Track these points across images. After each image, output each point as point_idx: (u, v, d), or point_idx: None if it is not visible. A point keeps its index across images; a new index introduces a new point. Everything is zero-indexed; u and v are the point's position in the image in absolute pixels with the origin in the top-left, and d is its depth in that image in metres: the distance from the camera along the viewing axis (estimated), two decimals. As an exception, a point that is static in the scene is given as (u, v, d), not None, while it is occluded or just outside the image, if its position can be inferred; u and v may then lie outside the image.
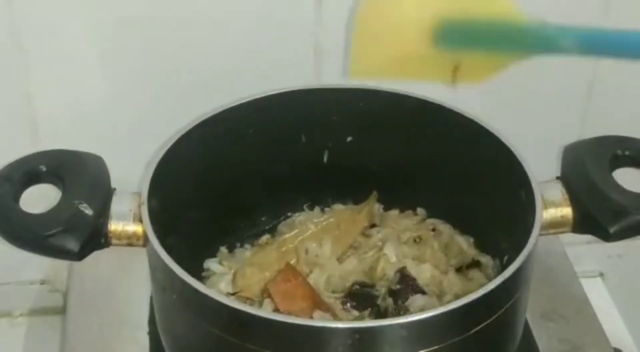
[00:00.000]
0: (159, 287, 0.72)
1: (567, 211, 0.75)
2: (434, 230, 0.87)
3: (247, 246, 0.88)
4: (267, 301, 0.78)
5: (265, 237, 0.88)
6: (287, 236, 0.85)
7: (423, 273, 0.81)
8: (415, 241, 0.86)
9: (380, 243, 0.85)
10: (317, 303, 0.78)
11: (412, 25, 0.69)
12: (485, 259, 0.84)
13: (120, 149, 0.86)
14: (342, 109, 0.85)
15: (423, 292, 0.78)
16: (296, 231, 0.86)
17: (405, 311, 0.76)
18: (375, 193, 0.89)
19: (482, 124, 0.80)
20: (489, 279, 0.78)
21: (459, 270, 0.84)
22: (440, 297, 0.80)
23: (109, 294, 0.90)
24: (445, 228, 0.87)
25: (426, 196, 0.87)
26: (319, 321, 0.74)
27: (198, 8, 0.86)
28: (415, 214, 0.89)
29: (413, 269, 0.81)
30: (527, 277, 0.71)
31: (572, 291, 0.91)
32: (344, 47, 0.90)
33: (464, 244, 0.86)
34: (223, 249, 0.87)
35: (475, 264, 0.84)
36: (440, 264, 0.84)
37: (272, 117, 0.84)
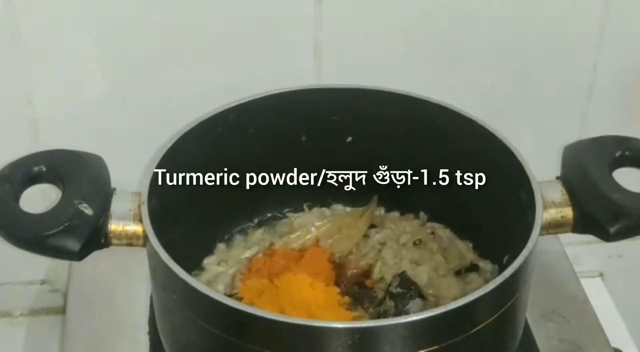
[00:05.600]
0: (159, 287, 0.72)
1: (567, 211, 0.75)
2: (432, 234, 0.87)
3: (246, 245, 0.88)
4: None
5: (264, 237, 0.88)
6: (288, 238, 0.85)
7: (420, 275, 0.81)
8: (415, 243, 0.85)
9: (378, 245, 0.85)
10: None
11: None
12: (484, 264, 0.84)
13: (120, 149, 0.86)
14: (342, 109, 0.85)
15: (423, 297, 0.78)
16: (297, 233, 0.86)
17: (405, 315, 0.76)
18: (375, 198, 0.89)
19: (482, 124, 0.80)
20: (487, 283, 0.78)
21: (457, 274, 0.84)
22: (438, 300, 0.80)
23: (109, 294, 0.90)
24: (444, 232, 0.87)
25: (426, 196, 0.86)
26: (319, 321, 0.74)
27: (198, 9, 0.86)
28: (417, 218, 0.89)
29: (410, 272, 0.81)
30: (527, 278, 0.71)
31: (572, 291, 0.91)
32: (343, 47, 0.90)
33: (463, 247, 0.86)
34: (221, 246, 0.87)
35: (474, 268, 0.84)
36: (439, 267, 0.84)
37: (272, 117, 0.83)
